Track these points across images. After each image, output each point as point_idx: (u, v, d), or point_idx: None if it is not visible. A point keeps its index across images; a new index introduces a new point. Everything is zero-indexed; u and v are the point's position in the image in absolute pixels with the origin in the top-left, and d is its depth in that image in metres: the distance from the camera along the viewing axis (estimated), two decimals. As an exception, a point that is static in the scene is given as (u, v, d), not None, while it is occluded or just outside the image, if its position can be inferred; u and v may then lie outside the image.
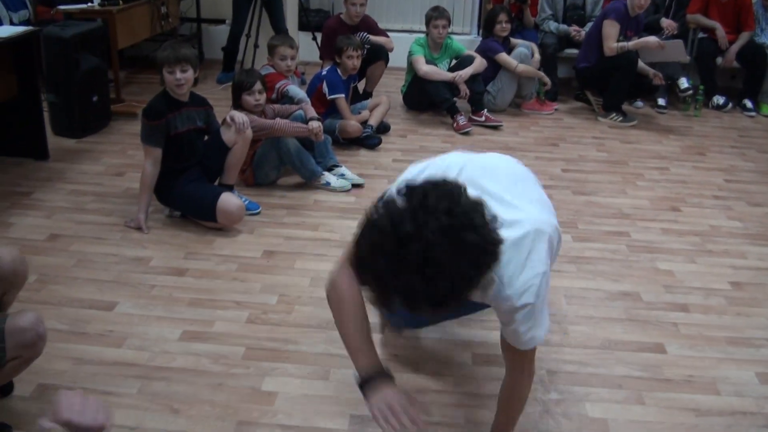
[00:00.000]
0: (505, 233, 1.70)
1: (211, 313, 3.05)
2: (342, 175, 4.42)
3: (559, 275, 3.43)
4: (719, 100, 6.92)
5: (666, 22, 6.78)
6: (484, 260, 1.61)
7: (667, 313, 3.21)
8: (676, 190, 4.73)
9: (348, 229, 3.76)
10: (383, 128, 5.45)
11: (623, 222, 4.15)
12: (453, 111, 5.68)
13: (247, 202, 4.01)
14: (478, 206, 1.62)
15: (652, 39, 6.04)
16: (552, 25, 6.75)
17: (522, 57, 6.10)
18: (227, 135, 3.88)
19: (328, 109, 5.11)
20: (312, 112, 4.45)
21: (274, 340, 2.89)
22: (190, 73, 3.72)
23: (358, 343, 2.06)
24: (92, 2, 5.56)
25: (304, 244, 3.67)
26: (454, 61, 5.99)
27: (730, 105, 6.92)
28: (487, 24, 6.26)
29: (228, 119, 3.87)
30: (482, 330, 2.97)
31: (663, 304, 3.28)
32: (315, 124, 4.29)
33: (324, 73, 5.19)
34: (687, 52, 6.72)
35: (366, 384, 1.98)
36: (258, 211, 4.04)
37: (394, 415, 1.88)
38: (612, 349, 2.89)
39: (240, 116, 3.88)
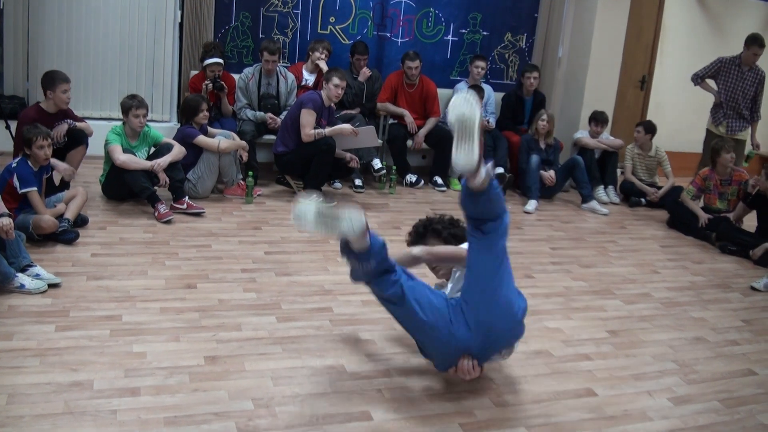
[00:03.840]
0: None
1: None
2: (37, 275, 4.12)
3: (265, 358, 3.50)
4: (412, 178, 7.56)
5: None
6: None
7: (371, 380, 3.38)
8: (374, 263, 5.02)
9: (45, 334, 3.54)
10: (81, 221, 5.22)
11: (325, 298, 4.32)
12: (154, 200, 5.60)
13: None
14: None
15: (346, 126, 6.47)
16: (249, 113, 6.96)
17: (225, 135, 6.33)
18: None
19: (20, 204, 4.83)
20: (1, 207, 4.16)
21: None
22: None
23: None
24: None
25: (-3, 356, 3.33)
26: (152, 149, 5.95)
27: (422, 182, 7.56)
28: (188, 112, 6.27)
29: None
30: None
31: (367, 372, 3.45)
32: (5, 221, 4.02)
33: (14, 165, 4.87)
34: (379, 137, 7.27)
35: None
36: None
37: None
38: (320, 423, 2.98)
39: None
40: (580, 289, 4.93)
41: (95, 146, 5.97)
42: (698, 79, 7.68)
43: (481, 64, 7.90)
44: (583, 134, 7.91)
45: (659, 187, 7.77)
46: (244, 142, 6.46)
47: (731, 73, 7.39)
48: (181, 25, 7.58)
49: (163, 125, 7.46)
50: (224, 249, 5.07)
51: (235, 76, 7.19)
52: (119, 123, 5.89)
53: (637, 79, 9.41)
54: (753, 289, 5.27)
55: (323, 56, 7.34)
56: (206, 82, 6.84)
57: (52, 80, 5.48)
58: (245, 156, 6.47)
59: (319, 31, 7.98)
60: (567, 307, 4.57)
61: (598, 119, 7.82)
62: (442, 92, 7.91)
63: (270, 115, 6.97)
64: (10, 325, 3.63)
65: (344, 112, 7.31)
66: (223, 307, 4.06)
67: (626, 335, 4.21)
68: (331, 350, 3.65)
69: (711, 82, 7.67)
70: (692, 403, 3.46)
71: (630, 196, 7.77)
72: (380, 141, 7.41)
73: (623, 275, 5.33)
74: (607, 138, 7.92)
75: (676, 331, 4.35)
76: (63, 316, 3.78)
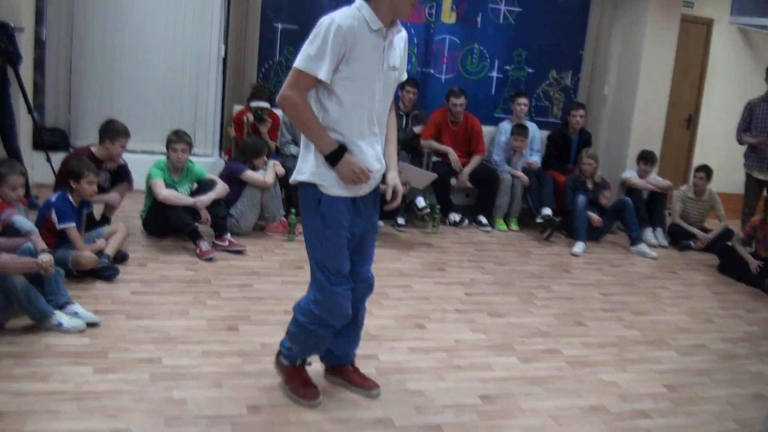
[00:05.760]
0: None
1: None
2: (75, 314, 4.02)
3: (309, 409, 3.34)
4: (455, 217, 7.41)
5: None
6: None
7: (419, 436, 3.21)
8: (419, 307, 4.88)
9: (82, 377, 3.42)
10: (121, 257, 5.13)
11: (370, 344, 4.13)
12: (195, 236, 5.52)
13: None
14: None
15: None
16: (293, 149, 6.89)
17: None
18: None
19: (59, 239, 4.74)
20: (42, 244, 4.07)
21: None
22: None
23: (320, 129, 2.96)
24: None
25: (35, 399, 3.18)
26: (195, 185, 5.88)
27: (466, 222, 7.41)
28: (250, 152, 6.23)
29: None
30: None
31: (416, 428, 3.27)
32: (45, 258, 3.92)
33: (53, 200, 4.78)
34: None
35: (332, 156, 2.94)
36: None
37: (359, 173, 2.96)
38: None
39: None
40: (633, 339, 4.73)
41: (136, 181, 5.90)
42: (740, 133, 7.45)
43: (523, 101, 7.79)
44: (631, 174, 7.73)
45: (707, 230, 7.55)
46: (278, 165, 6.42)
47: (763, 109, 7.19)
48: (224, 59, 7.57)
49: (206, 160, 7.40)
50: (266, 289, 4.96)
51: (279, 113, 7.13)
52: (161, 157, 5.84)
53: (683, 117, 9.23)
54: (811, 341, 5.04)
55: None
56: (248, 114, 6.79)
57: (113, 132, 5.42)
58: (281, 171, 6.37)
59: (362, 66, 7.91)
60: (621, 359, 4.38)
61: (647, 158, 7.63)
62: (485, 129, 7.79)
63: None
64: (47, 366, 3.53)
65: None
66: (266, 352, 3.90)
67: (684, 390, 4.01)
68: (378, 401, 3.49)
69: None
70: (757, 466, 3.27)
71: (678, 239, 7.55)
72: (433, 176, 7.11)
73: (677, 324, 5.13)
74: (655, 178, 7.73)
75: (735, 387, 4.14)
76: (101, 358, 3.67)
